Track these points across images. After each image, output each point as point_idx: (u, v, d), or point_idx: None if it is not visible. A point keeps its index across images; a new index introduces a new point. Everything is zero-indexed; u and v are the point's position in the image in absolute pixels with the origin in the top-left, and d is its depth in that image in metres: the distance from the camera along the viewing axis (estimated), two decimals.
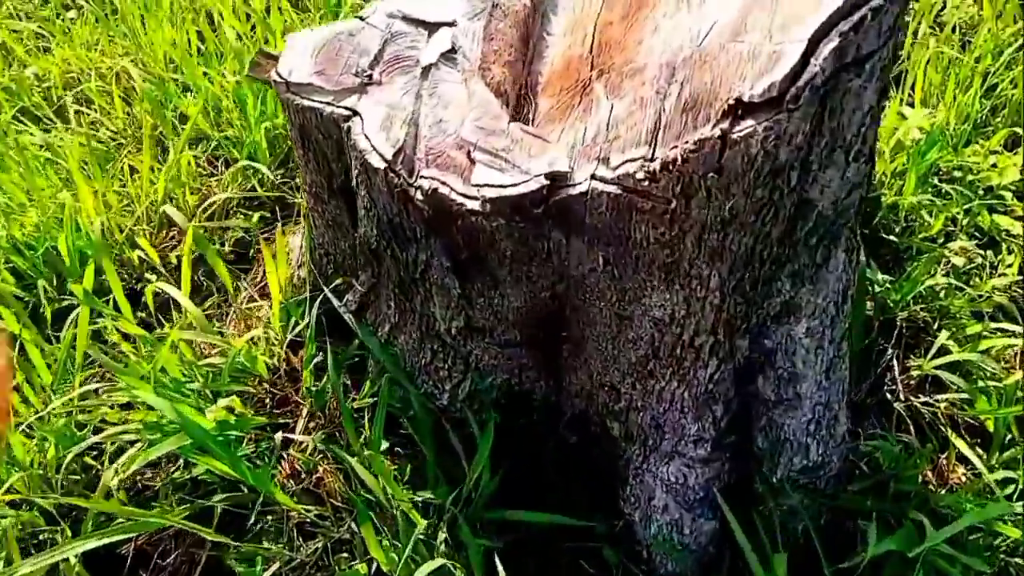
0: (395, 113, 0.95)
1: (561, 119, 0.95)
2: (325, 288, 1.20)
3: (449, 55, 1.03)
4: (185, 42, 1.99)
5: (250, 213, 1.73)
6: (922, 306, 1.38)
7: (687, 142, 0.76)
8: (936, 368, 1.25)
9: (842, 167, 0.79)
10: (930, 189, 1.63)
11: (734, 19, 0.80)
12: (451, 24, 1.06)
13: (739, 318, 0.92)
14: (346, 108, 0.97)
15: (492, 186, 0.86)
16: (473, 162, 0.89)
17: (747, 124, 0.72)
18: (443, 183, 0.88)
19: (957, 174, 1.72)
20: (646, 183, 0.80)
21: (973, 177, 1.69)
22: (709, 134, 0.74)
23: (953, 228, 1.60)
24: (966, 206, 1.59)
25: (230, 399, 1.19)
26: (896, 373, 1.35)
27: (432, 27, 1.07)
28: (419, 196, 0.90)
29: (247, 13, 2.05)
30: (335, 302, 1.19)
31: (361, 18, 1.09)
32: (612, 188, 0.83)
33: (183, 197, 1.69)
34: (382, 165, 0.90)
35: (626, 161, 0.82)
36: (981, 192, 1.67)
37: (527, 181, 0.86)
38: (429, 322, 1.08)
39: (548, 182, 0.85)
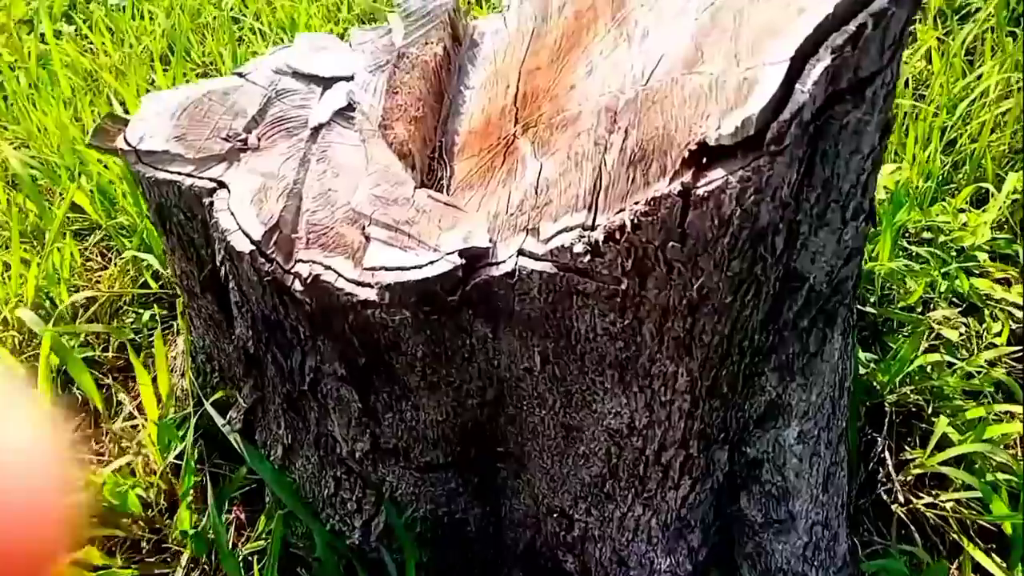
0: (272, 184, 0.76)
1: (480, 184, 0.76)
2: (206, 403, 0.98)
3: (344, 113, 0.84)
4: (79, 125, 1.79)
5: (142, 311, 1.50)
6: (911, 387, 1.21)
7: (637, 203, 0.57)
8: (941, 464, 1.06)
9: (838, 228, 0.61)
10: (900, 253, 1.48)
11: (687, 47, 0.62)
12: (349, 78, 0.88)
13: (715, 426, 0.72)
14: (210, 179, 0.77)
15: (391, 269, 0.66)
16: (368, 239, 0.69)
17: (715, 175, 0.54)
18: (327, 267, 0.68)
19: (927, 235, 1.59)
20: (587, 259, 0.61)
21: (944, 238, 1.56)
22: (666, 191, 0.55)
23: (931, 295, 1.45)
24: (943, 270, 1.45)
25: (85, 550, 0.94)
26: (890, 468, 1.16)
27: (327, 82, 0.89)
28: (297, 286, 0.69)
29: (149, 91, 1.86)
30: (217, 420, 0.96)
31: (240, 74, 0.91)
32: (545, 266, 0.64)
33: (60, 295, 1.45)
34: (248, 248, 0.70)
35: (561, 231, 0.63)
36: (953, 254, 1.54)
37: (436, 261, 0.66)
38: (329, 444, 0.86)
39: (463, 261, 0.66)
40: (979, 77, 1.85)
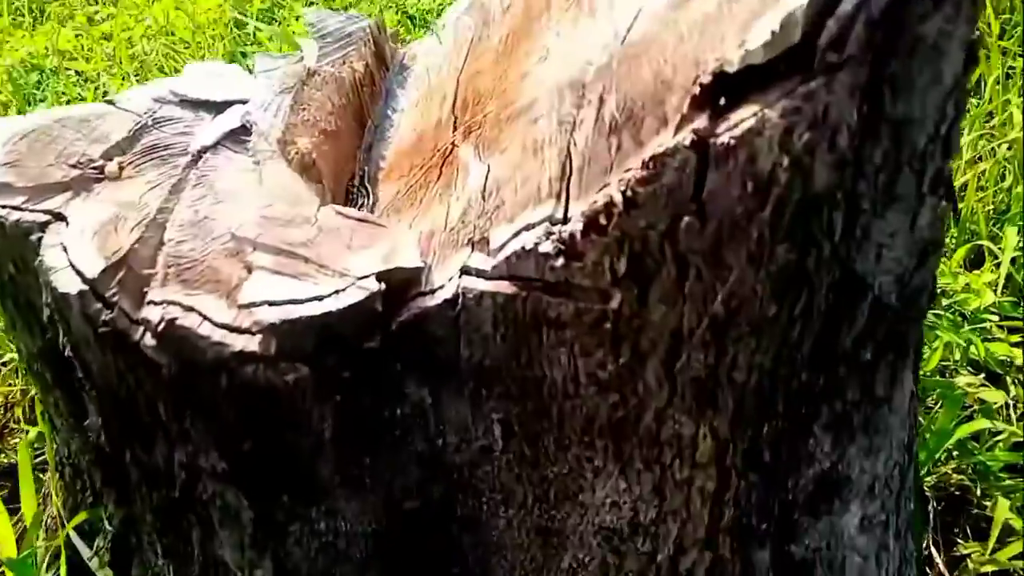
0: (128, 214, 0.56)
1: (411, 206, 0.58)
2: (68, 528, 0.74)
3: (238, 136, 0.66)
4: None
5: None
6: (952, 466, 1.01)
7: (629, 170, 0.39)
8: (1011, 559, 0.85)
9: (911, 207, 0.43)
10: None
11: None
12: (246, 102, 0.70)
13: (753, 513, 0.51)
14: (44, 212, 0.57)
15: (277, 304, 0.46)
16: (251, 270, 0.49)
17: (744, 113, 0.36)
18: (188, 309, 0.47)
19: None
20: (559, 264, 0.42)
21: (948, 301, 1.40)
22: (672, 144, 0.37)
23: (947, 363, 1.27)
24: (956, 335, 1.28)
25: None
26: (941, 567, 0.94)
27: (220, 107, 0.71)
28: (147, 340, 0.48)
29: None
30: (83, 551, 0.73)
31: (111, 102, 0.72)
32: (500, 285, 0.44)
33: None
34: (78, 288, 0.49)
35: (520, 232, 0.44)
36: (960, 318, 1.38)
37: (343, 290, 0.46)
38: (220, 573, 0.62)
39: (382, 287, 0.46)
40: None
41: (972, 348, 1.30)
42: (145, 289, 0.50)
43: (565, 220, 0.42)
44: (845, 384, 0.49)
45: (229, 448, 0.52)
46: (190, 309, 0.47)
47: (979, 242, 1.48)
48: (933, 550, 0.96)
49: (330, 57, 0.75)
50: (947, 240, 1.57)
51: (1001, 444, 1.03)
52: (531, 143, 0.50)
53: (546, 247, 0.41)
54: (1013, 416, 1.15)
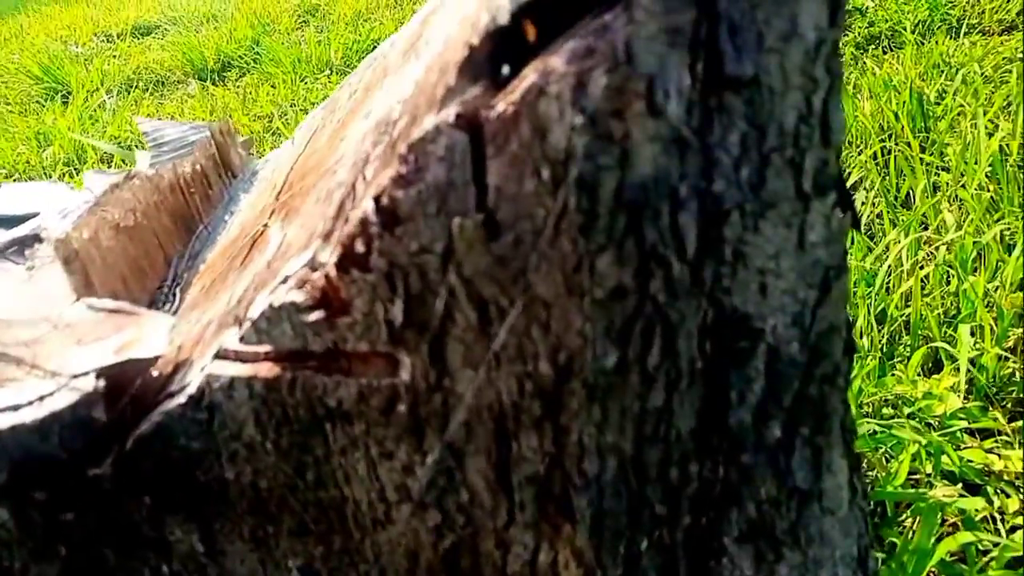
0: None
1: (209, 297, 0.46)
2: None
3: (24, 244, 0.55)
4: None
5: None
6: None
7: (385, 171, 0.28)
8: None
9: (794, 212, 0.32)
10: (863, 428, 1.20)
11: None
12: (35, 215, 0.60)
13: None
14: None
15: None
16: None
17: (527, 71, 0.26)
18: None
19: (887, 411, 1.32)
20: (319, 319, 0.30)
21: (911, 409, 1.29)
22: (433, 124, 0.26)
23: (917, 475, 1.14)
24: (923, 443, 1.16)
25: None
26: None
27: (20, 220, 0.60)
28: None
29: None
30: None
31: None
32: (256, 368, 0.32)
33: None
34: None
35: (277, 287, 0.32)
36: (925, 427, 1.26)
37: (48, 396, 0.33)
38: None
39: (101, 384, 0.33)
40: (886, 248, 1.71)
41: (944, 457, 1.18)
42: None
43: (322, 264, 0.30)
44: (753, 475, 0.36)
45: None
46: None
47: (934, 344, 1.39)
48: None
49: (163, 166, 0.65)
50: (900, 347, 1.49)
51: (994, 563, 0.88)
52: (324, 193, 0.39)
53: (296, 296, 0.29)
54: (1002, 529, 1.01)
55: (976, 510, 0.94)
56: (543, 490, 0.32)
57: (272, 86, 2.74)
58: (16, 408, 0.33)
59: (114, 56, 3.60)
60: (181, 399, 0.34)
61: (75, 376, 0.34)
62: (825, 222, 0.33)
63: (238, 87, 2.85)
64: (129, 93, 2.99)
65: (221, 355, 0.34)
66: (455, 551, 0.34)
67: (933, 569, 0.84)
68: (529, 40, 0.27)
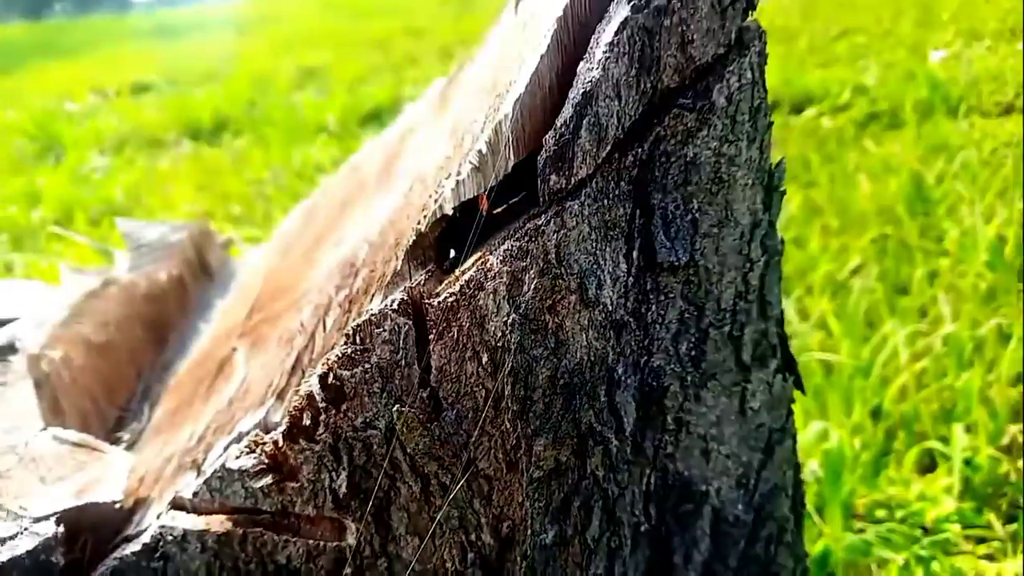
0: None
1: (172, 425, 0.47)
2: None
3: (4, 354, 0.56)
4: None
5: None
6: None
7: (332, 349, 0.29)
8: None
9: (734, 383, 0.33)
10: (854, 533, 1.18)
11: (442, 153, 0.39)
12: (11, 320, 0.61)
13: None
14: None
15: None
16: None
17: (468, 263, 0.27)
18: None
19: (880, 512, 1.30)
20: (268, 484, 0.31)
21: (903, 512, 1.27)
22: (379, 308, 0.28)
23: None
24: (916, 552, 1.14)
25: None
26: None
27: None
28: None
29: None
30: None
31: None
32: (210, 521, 0.33)
33: None
34: None
35: (230, 444, 0.33)
36: (919, 532, 1.24)
37: (10, 539, 0.34)
38: None
39: (59, 531, 0.34)
40: (883, 340, 1.71)
41: (935, 564, 1.16)
42: None
43: (274, 427, 0.31)
44: None
45: None
46: None
47: (927, 444, 1.37)
48: None
49: (142, 269, 0.67)
50: (894, 445, 1.47)
51: None
52: (287, 335, 0.40)
53: (246, 462, 0.30)
54: None
55: None
56: None
57: (266, 148, 2.76)
58: None
59: (110, 114, 3.64)
60: (136, 547, 0.34)
61: (36, 520, 0.35)
62: (767, 389, 0.34)
63: (233, 148, 2.87)
64: (122, 152, 3.02)
65: (177, 504, 0.34)
66: None
67: None
68: (482, 210, 0.28)
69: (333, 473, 0.29)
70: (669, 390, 0.31)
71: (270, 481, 0.30)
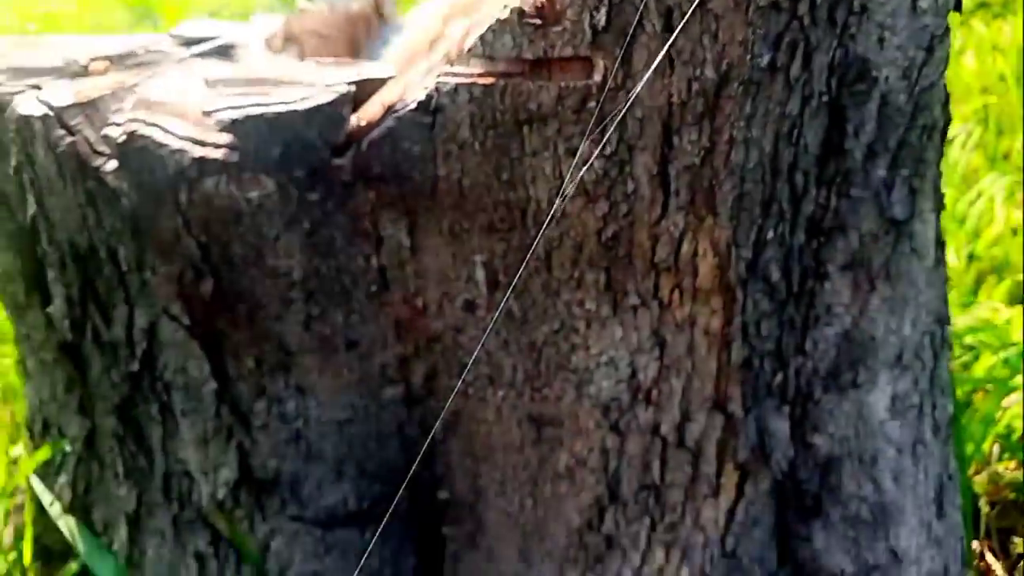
0: (101, 90, 0.54)
1: (414, 65, 0.56)
2: (29, 474, 0.69)
3: (225, 49, 0.65)
4: None
5: None
6: (1003, 466, 0.92)
7: None
8: None
9: None
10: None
11: None
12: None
13: (765, 355, 0.46)
14: (25, 86, 0.56)
15: (241, 107, 0.43)
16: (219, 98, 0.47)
17: None
18: (150, 124, 0.45)
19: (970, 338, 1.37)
20: (537, 28, 0.39)
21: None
22: None
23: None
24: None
25: None
26: (999, 570, 0.84)
27: (207, 41, 0.71)
28: (108, 166, 0.46)
29: None
30: (43, 496, 0.67)
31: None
32: (475, 76, 0.42)
33: None
34: (42, 112, 0.48)
35: (497, 21, 0.41)
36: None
37: (311, 96, 0.44)
38: (182, 488, 0.56)
39: (352, 89, 0.44)
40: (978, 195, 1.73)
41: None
42: (110, 120, 0.48)
43: None
44: (859, 208, 0.44)
45: (189, 296, 0.48)
46: (152, 124, 0.45)
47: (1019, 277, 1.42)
48: (989, 556, 0.86)
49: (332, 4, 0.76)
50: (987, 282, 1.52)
51: None
52: None
53: (523, 4, 0.39)
54: None
55: None
56: (695, 179, 0.41)
57: None
58: (287, 103, 0.43)
59: None
60: (412, 105, 0.44)
61: (329, 85, 0.44)
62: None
63: None
64: None
65: (449, 73, 0.43)
66: (613, 241, 0.44)
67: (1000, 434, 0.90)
68: None
69: (594, 11, 0.38)
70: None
71: (538, 23, 0.39)
